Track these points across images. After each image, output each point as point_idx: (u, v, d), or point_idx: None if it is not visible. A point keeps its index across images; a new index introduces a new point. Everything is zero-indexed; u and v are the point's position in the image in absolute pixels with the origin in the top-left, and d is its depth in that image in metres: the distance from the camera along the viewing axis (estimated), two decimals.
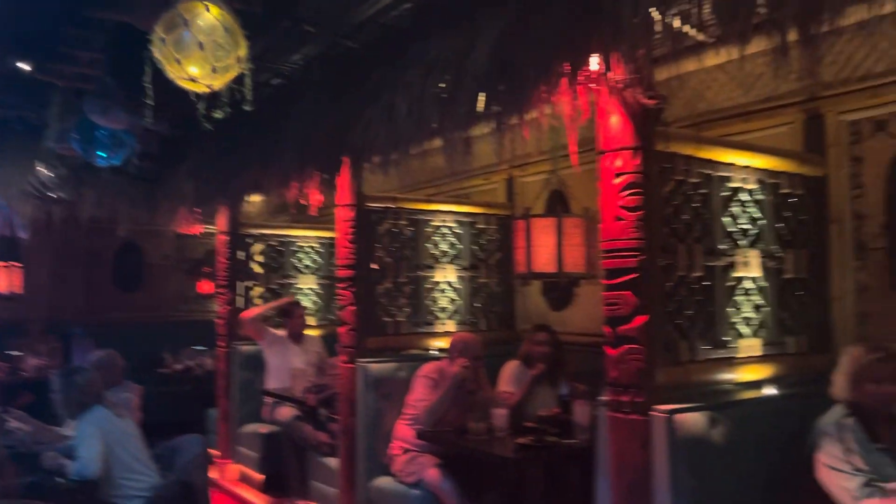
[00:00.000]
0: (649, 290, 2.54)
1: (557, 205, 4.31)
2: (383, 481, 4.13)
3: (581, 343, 4.35)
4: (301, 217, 6.04)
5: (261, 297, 6.23)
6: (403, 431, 4.08)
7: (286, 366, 5.54)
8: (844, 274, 3.27)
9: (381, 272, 4.47)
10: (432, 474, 3.85)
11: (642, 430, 2.51)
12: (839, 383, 2.65)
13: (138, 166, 5.34)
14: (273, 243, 6.33)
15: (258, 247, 6.27)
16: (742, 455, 2.64)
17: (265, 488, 5.38)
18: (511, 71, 2.74)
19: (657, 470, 2.49)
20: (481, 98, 2.84)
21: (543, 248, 3.70)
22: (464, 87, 2.92)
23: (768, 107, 3.48)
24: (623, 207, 2.53)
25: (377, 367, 4.29)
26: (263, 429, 5.56)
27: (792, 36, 2.11)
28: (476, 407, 3.89)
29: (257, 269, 6.26)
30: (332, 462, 4.53)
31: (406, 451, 4.05)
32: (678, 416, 2.50)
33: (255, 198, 6.51)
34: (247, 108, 2.98)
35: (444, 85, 3.04)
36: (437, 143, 3.36)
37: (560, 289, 4.73)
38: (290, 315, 5.72)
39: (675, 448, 2.47)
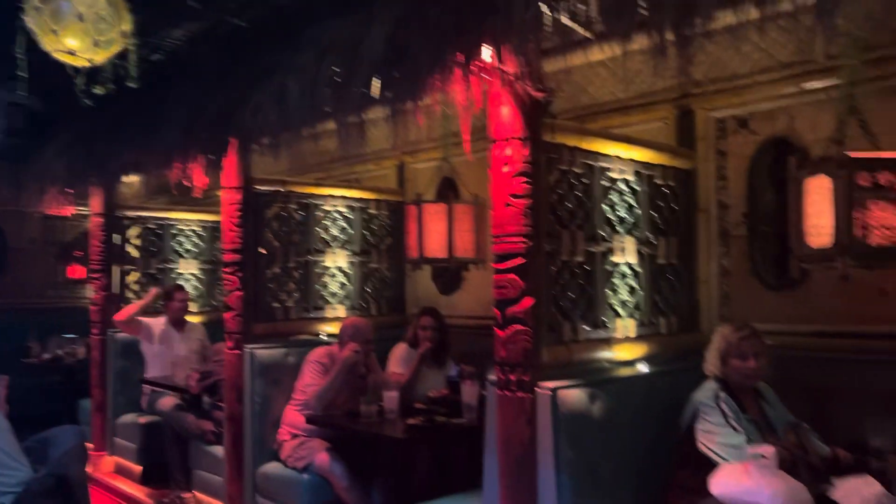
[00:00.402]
0: (536, 274, 2.66)
1: (448, 191, 4.40)
2: (271, 467, 4.10)
3: (470, 326, 4.48)
4: (183, 199, 5.83)
5: (137, 282, 5.98)
6: (293, 417, 4.06)
7: (166, 354, 5.36)
8: (710, 259, 3.55)
9: (269, 257, 4.40)
10: (322, 458, 3.86)
11: (528, 406, 2.63)
12: (711, 360, 2.87)
13: (1, 142, 4.97)
14: (151, 226, 6.08)
15: (135, 230, 6.01)
16: (619, 428, 2.82)
17: (144, 480, 5.19)
18: (406, 58, 2.77)
19: (541, 444, 2.62)
20: (376, 84, 2.86)
21: (434, 233, 3.79)
22: (358, 72, 2.93)
23: (645, 102, 3.70)
24: (512, 195, 2.64)
25: (265, 352, 4.23)
26: (142, 419, 5.36)
27: (668, 36, 2.27)
28: (367, 390, 3.92)
29: (134, 253, 6.00)
30: (218, 450, 4.44)
31: (295, 436, 4.03)
32: (561, 393, 2.64)
33: (133, 178, 6.22)
34: (132, 84, 2.86)
35: (337, 69, 3.03)
36: (329, 126, 3.35)
37: (450, 273, 4.83)
38: (170, 298, 5.52)
39: (558, 423, 2.61)
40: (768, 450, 2.45)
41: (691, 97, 3.57)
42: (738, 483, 2.42)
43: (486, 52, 2.50)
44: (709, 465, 2.60)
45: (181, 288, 5.69)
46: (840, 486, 2.38)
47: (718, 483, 2.49)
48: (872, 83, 2.79)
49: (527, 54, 2.40)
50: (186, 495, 4.74)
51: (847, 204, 2.47)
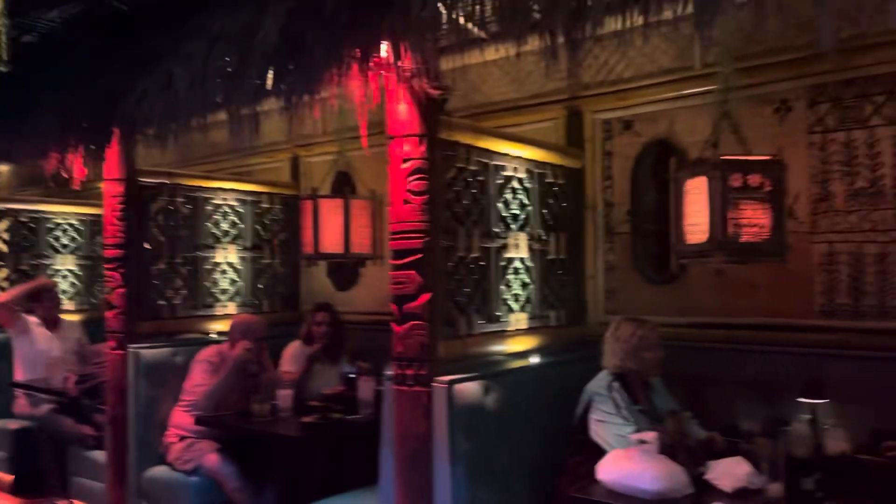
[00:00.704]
0: (433, 270, 2.69)
1: (344, 186, 4.36)
2: (158, 471, 3.93)
3: (366, 322, 4.46)
4: (59, 191, 5.48)
5: (7, 279, 5.58)
6: (180, 418, 3.91)
7: (40, 355, 5.03)
8: (596, 255, 3.70)
9: (154, 252, 4.22)
10: (212, 459, 3.75)
11: (424, 401, 2.66)
12: (614, 355, 2.97)
13: None
14: (23, 219, 5.70)
15: (4, 223, 5.60)
16: (512, 418, 2.90)
17: (16, 490, 4.86)
18: (301, 50, 2.72)
19: (437, 437, 2.65)
20: (270, 75, 2.79)
21: (331, 228, 3.75)
22: (251, 63, 2.85)
23: (537, 103, 3.82)
24: (410, 191, 2.65)
25: (150, 352, 4.05)
26: (13, 424, 5.00)
27: (560, 39, 2.34)
28: (260, 389, 3.84)
29: (3, 247, 5.59)
30: (98, 455, 4.22)
31: (183, 438, 3.89)
32: (457, 386, 2.68)
33: (2, 168, 5.79)
34: (2, 68, 2.66)
35: (229, 59, 2.94)
36: (220, 117, 3.25)
37: (345, 269, 4.80)
38: (38, 300, 5.18)
39: (453, 416, 2.65)
40: (650, 436, 2.59)
41: (580, 99, 3.71)
42: (623, 468, 2.54)
43: (384, 48, 2.50)
44: (599, 453, 2.72)
45: (50, 288, 5.33)
46: (714, 468, 2.54)
47: (604, 469, 2.61)
48: (744, 90, 2.99)
49: (424, 51, 2.42)
50: (63, 503, 4.49)
51: (721, 203, 2.64)
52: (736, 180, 2.66)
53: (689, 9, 2.01)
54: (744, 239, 2.64)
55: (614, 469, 2.57)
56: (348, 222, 3.84)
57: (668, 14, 2.23)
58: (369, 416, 3.56)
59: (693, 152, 3.27)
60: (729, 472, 2.51)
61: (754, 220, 2.64)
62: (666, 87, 3.44)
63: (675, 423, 2.75)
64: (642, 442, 2.57)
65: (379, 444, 2.85)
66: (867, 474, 2.59)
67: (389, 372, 2.76)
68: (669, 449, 2.57)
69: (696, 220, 2.74)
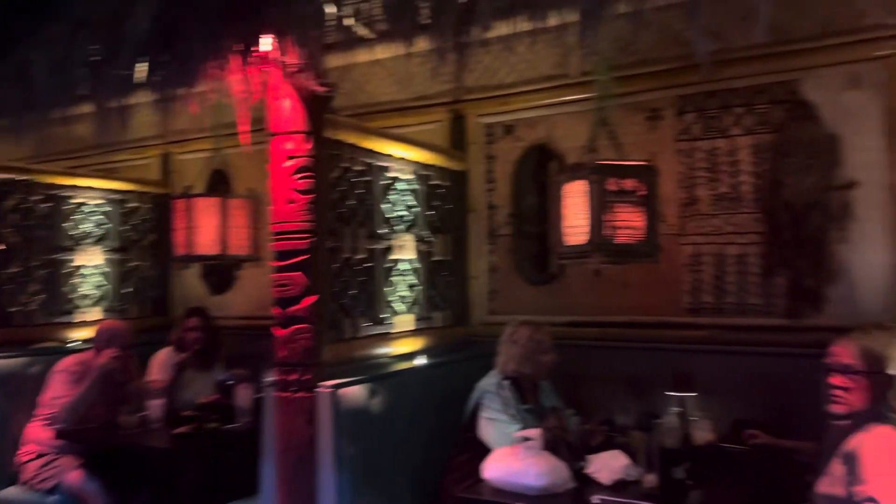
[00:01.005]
0: (318, 272, 2.62)
1: (220, 185, 4.19)
2: (11, 492, 3.61)
3: (243, 327, 4.30)
4: None
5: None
6: (38, 433, 3.61)
7: None
8: (480, 257, 3.76)
9: (6, 254, 3.88)
10: (74, 476, 3.49)
11: (308, 406, 2.59)
12: (510, 358, 3.00)
13: None
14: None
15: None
16: (398, 421, 2.87)
17: None
18: (176, 41, 2.58)
19: (322, 444, 2.59)
20: (142, 67, 2.63)
21: (206, 229, 3.58)
22: (120, 52, 2.67)
23: (422, 104, 3.83)
24: (294, 190, 2.57)
25: (1, 362, 3.72)
26: None
27: (446, 42, 2.35)
28: (127, 400, 3.61)
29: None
30: None
31: (41, 455, 3.59)
32: (341, 391, 2.63)
33: None
34: None
35: (95, 47, 2.74)
36: (83, 109, 3.02)
37: (220, 272, 4.60)
38: None
39: (338, 421, 2.59)
40: (534, 433, 2.65)
41: (464, 102, 3.76)
42: (508, 466, 2.58)
43: (267, 42, 2.41)
44: (486, 451, 2.75)
45: None
46: (593, 462, 2.64)
47: (490, 467, 2.64)
48: (618, 99, 3.12)
49: (310, 47, 2.36)
50: None
51: (598, 206, 2.74)
52: (612, 184, 2.76)
53: (574, 17, 2.06)
54: (620, 240, 2.74)
55: (499, 467, 2.61)
56: (225, 222, 3.68)
57: (552, 21, 2.30)
58: (248, 424, 3.43)
59: (571, 157, 3.38)
60: (607, 466, 2.61)
61: (629, 222, 2.75)
62: (546, 94, 3.54)
63: (557, 420, 2.83)
64: (526, 439, 2.62)
65: (258, 454, 2.75)
66: (731, 462, 2.76)
67: (270, 378, 2.66)
68: (552, 445, 2.64)
69: (575, 222, 2.82)
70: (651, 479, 2.52)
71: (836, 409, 2.20)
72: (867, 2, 2.91)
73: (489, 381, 2.97)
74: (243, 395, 3.58)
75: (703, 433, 2.84)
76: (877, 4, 2.89)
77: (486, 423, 2.88)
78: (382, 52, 3.32)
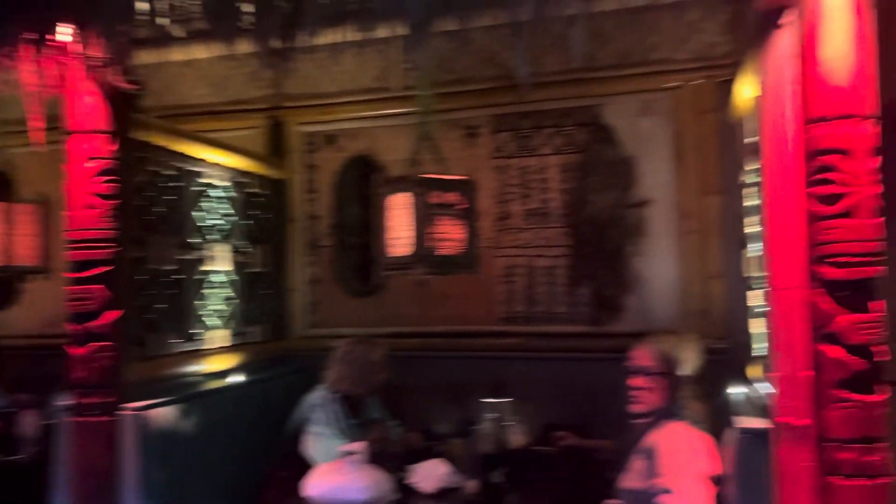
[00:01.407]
0: (121, 285, 2.40)
1: (3, 188, 3.74)
2: None
3: (28, 346, 3.84)
4: None
5: None
6: None
7: None
8: (300, 268, 3.67)
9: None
10: None
11: (110, 430, 2.36)
12: (341, 376, 2.93)
13: None
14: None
15: None
16: (213, 441, 2.72)
17: None
18: None
19: (126, 470, 2.38)
20: None
21: None
22: None
23: (238, 109, 3.67)
24: (95, 195, 2.35)
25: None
26: None
27: (268, 47, 2.27)
28: None
29: None
30: None
31: None
32: (148, 413, 2.44)
33: None
34: None
35: None
36: None
37: (2, 285, 4.09)
38: None
39: (144, 445, 2.40)
40: (358, 446, 2.62)
41: (283, 109, 3.66)
42: (331, 481, 2.53)
43: (66, 32, 2.19)
44: (308, 468, 2.67)
45: None
46: (416, 471, 2.66)
47: (312, 484, 2.57)
48: (439, 115, 3.19)
49: (116, 41, 2.17)
50: None
51: (421, 219, 2.78)
52: (434, 197, 2.82)
53: (400, 31, 2.07)
54: (442, 252, 2.80)
55: (322, 482, 2.55)
56: (9, 230, 3.29)
57: (379, 33, 2.30)
58: (34, 455, 3.07)
59: (394, 169, 3.40)
60: (429, 475, 2.64)
61: (451, 234, 2.82)
62: (368, 105, 3.55)
63: (380, 432, 2.82)
64: (350, 453, 2.58)
65: (48, 487, 2.47)
66: (543, 463, 2.91)
67: (63, 402, 2.40)
68: (376, 457, 2.62)
69: (399, 234, 2.84)
70: (472, 485, 2.58)
71: (636, 408, 2.39)
72: (658, 38, 3.22)
73: (317, 396, 2.89)
74: (27, 423, 3.21)
75: (517, 437, 2.98)
76: (666, 41, 3.21)
77: (312, 438, 2.80)
78: (197, 52, 3.15)
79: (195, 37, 2.38)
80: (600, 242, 3.36)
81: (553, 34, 1.88)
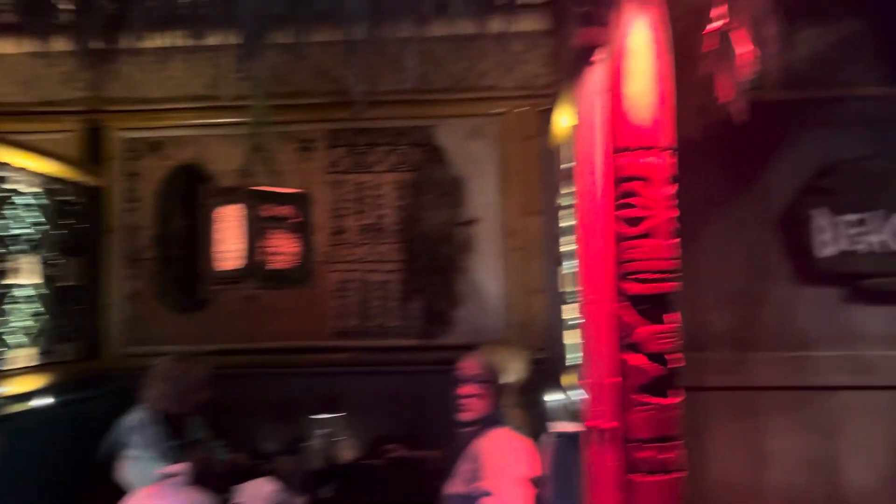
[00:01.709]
0: None
1: None
2: None
3: None
4: None
5: None
6: None
7: None
8: (117, 282, 3.44)
9: None
10: None
11: None
12: (160, 394, 2.75)
13: None
14: None
15: None
16: (16, 470, 2.48)
17: None
18: None
19: None
20: None
21: None
22: None
23: (49, 111, 3.40)
24: None
25: None
26: None
27: (88, 47, 2.13)
28: None
29: None
30: None
31: None
32: None
33: None
34: None
35: None
36: None
37: None
38: None
39: None
40: (179, 468, 2.50)
41: (101, 113, 3.45)
42: None
43: None
44: (123, 493, 2.50)
45: None
46: (243, 490, 2.58)
47: None
48: (273, 127, 3.15)
49: None
50: None
51: (253, 232, 2.72)
52: (266, 210, 2.77)
53: (233, 39, 2.03)
54: (274, 266, 2.76)
55: None
56: None
57: (210, 41, 2.24)
58: None
59: (224, 180, 3.30)
60: (256, 494, 2.58)
61: (283, 248, 2.79)
62: (197, 113, 3.43)
63: (203, 452, 2.71)
64: (170, 475, 2.46)
65: None
66: (372, 476, 2.93)
67: None
68: (199, 479, 2.52)
69: (228, 247, 2.76)
70: (301, 502, 2.55)
71: (464, 416, 2.48)
72: (487, 65, 3.39)
73: (134, 418, 2.72)
74: None
75: (347, 452, 2.99)
76: (495, 68, 3.39)
77: (129, 462, 2.62)
78: (3, 46, 2.90)
79: (2, 30, 2.18)
80: (432, 258, 3.47)
81: (388, 54, 1.94)
